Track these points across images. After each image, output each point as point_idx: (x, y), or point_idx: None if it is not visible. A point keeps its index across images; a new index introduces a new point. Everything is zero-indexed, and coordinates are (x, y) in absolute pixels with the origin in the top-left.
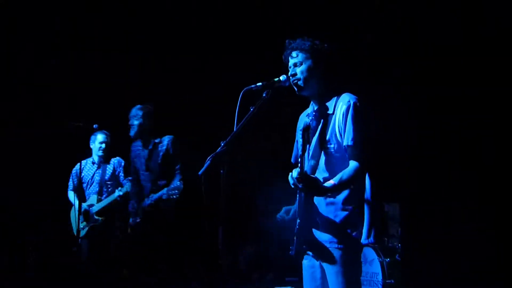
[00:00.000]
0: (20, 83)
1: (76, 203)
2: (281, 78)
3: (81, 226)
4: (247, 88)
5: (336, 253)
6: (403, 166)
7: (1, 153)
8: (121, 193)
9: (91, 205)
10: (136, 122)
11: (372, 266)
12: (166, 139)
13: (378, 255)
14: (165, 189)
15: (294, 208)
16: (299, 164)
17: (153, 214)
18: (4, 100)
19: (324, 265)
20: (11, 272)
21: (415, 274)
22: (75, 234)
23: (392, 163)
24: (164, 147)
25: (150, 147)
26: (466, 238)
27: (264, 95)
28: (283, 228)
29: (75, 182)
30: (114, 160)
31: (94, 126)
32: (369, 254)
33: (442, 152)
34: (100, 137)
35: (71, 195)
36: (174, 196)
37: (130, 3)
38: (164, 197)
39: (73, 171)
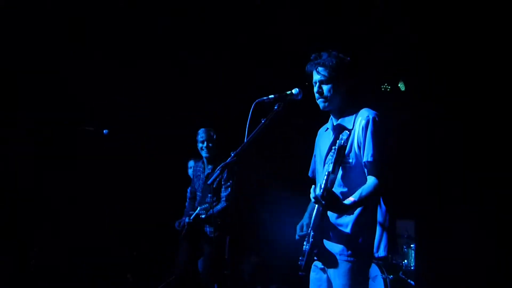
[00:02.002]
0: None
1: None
2: (293, 91)
3: None
4: (259, 100)
5: (345, 266)
6: (414, 182)
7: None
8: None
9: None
10: (211, 145)
11: (375, 282)
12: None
13: (382, 271)
14: (199, 207)
15: (304, 222)
16: (324, 180)
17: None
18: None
19: (332, 276)
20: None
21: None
22: None
23: (404, 179)
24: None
25: (208, 171)
26: (481, 255)
27: (275, 107)
28: (288, 240)
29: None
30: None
31: (104, 131)
32: (373, 270)
33: (456, 166)
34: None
35: None
36: (202, 216)
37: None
38: (202, 216)
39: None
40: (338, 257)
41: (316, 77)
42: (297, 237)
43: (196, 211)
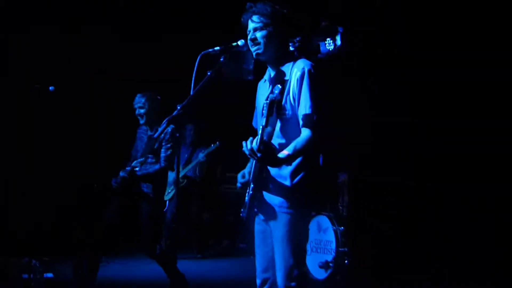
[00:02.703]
0: None
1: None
2: (239, 43)
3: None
4: (204, 52)
5: (284, 217)
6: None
7: None
8: None
9: None
10: (142, 111)
11: (326, 234)
12: (169, 129)
13: (332, 223)
14: (134, 162)
15: (246, 170)
16: (258, 134)
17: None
18: None
19: (272, 228)
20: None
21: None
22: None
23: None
24: (162, 136)
25: (150, 133)
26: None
27: (221, 59)
28: (240, 196)
29: None
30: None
31: (50, 88)
32: (324, 222)
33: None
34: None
35: None
36: (136, 169)
37: None
38: (137, 169)
39: None
40: (277, 209)
41: (250, 25)
42: (238, 185)
43: (132, 164)
